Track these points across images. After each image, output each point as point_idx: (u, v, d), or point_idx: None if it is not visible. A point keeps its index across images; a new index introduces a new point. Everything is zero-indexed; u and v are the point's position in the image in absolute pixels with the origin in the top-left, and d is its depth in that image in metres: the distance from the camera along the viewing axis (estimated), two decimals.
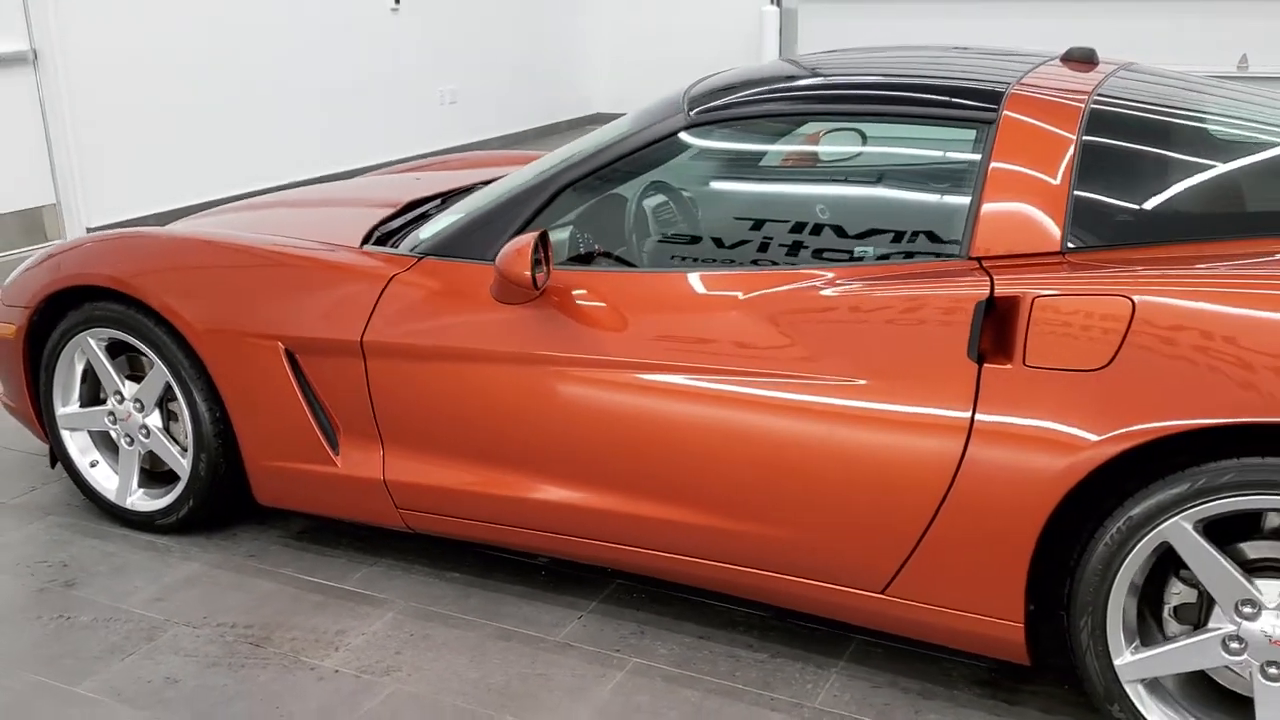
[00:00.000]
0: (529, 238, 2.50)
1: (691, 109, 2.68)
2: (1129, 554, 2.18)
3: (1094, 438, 2.13)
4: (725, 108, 2.66)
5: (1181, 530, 2.13)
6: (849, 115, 2.58)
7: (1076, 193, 2.32)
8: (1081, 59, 2.83)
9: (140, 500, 3.35)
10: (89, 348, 3.26)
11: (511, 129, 10.49)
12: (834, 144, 2.70)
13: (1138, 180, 2.37)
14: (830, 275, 2.43)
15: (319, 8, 8.36)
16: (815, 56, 2.88)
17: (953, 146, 2.52)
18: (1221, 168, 2.44)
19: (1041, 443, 2.18)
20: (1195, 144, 2.51)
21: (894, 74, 2.64)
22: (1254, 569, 2.16)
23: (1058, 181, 2.33)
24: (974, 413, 2.24)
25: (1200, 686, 2.28)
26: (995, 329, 2.24)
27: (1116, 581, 2.20)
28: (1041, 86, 2.51)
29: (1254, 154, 2.50)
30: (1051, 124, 2.40)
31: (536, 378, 2.64)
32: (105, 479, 3.40)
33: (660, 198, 2.84)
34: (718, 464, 2.49)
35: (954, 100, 2.49)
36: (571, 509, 2.70)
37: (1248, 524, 2.19)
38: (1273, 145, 2.53)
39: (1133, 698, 2.24)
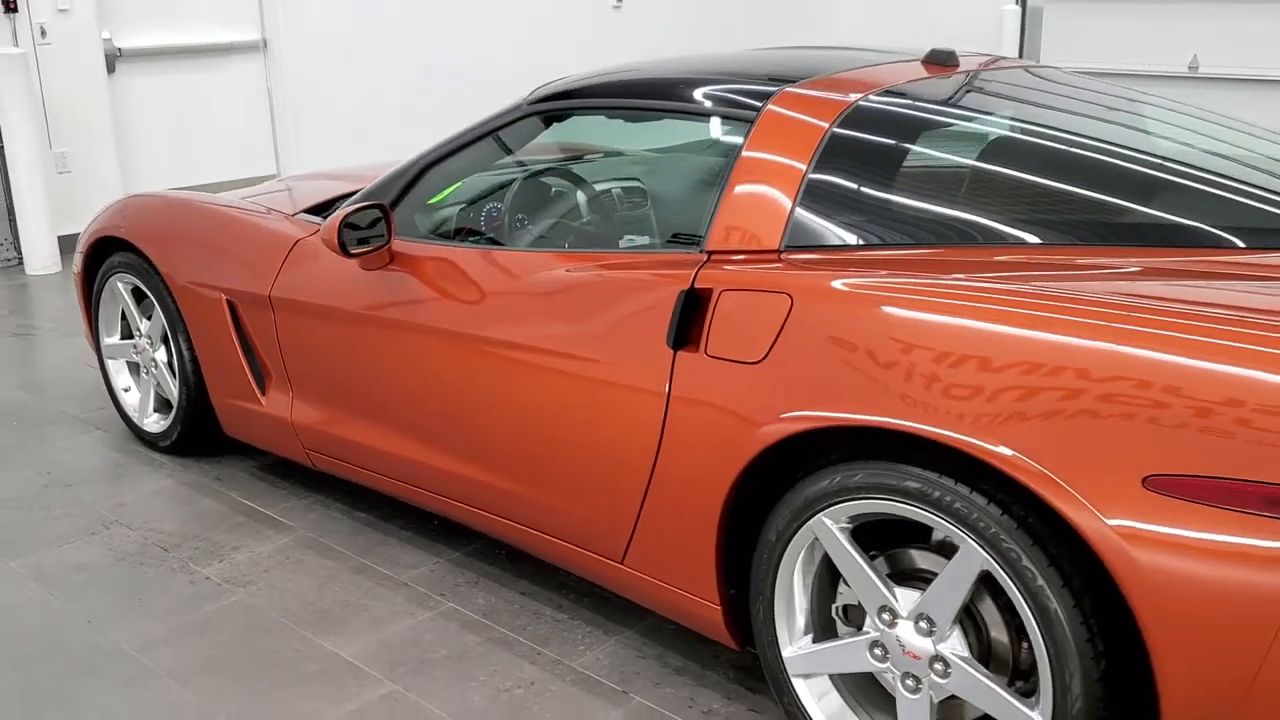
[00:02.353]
0: (343, 211, 2.80)
1: (529, 103, 2.88)
2: (787, 546, 2.21)
3: (752, 428, 2.17)
4: (550, 100, 2.83)
5: (825, 527, 2.14)
6: (642, 110, 2.69)
7: (805, 194, 2.33)
8: (939, 61, 2.78)
9: (152, 423, 3.92)
10: (117, 289, 3.86)
11: None
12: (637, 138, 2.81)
13: (872, 184, 2.34)
14: (592, 259, 2.57)
15: (539, 4, 8.91)
16: (673, 57, 2.97)
17: (727, 142, 2.58)
18: (977, 177, 2.37)
19: (714, 430, 2.24)
20: (963, 151, 2.44)
21: (699, 72, 2.71)
22: (916, 577, 2.13)
23: (790, 182, 2.35)
24: (669, 397, 2.33)
25: (876, 690, 2.26)
26: (697, 320, 2.32)
27: (780, 572, 2.23)
28: (825, 85, 2.52)
29: (1025, 165, 2.40)
30: (801, 125, 2.42)
31: (373, 337, 2.93)
32: (132, 402, 4.00)
33: (498, 182, 3.04)
34: (495, 426, 2.69)
35: (729, 97, 2.55)
36: (403, 460, 2.97)
37: (922, 532, 2.17)
38: (1064, 158, 2.43)
39: (798, 691, 2.27)
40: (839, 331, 2.07)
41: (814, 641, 2.27)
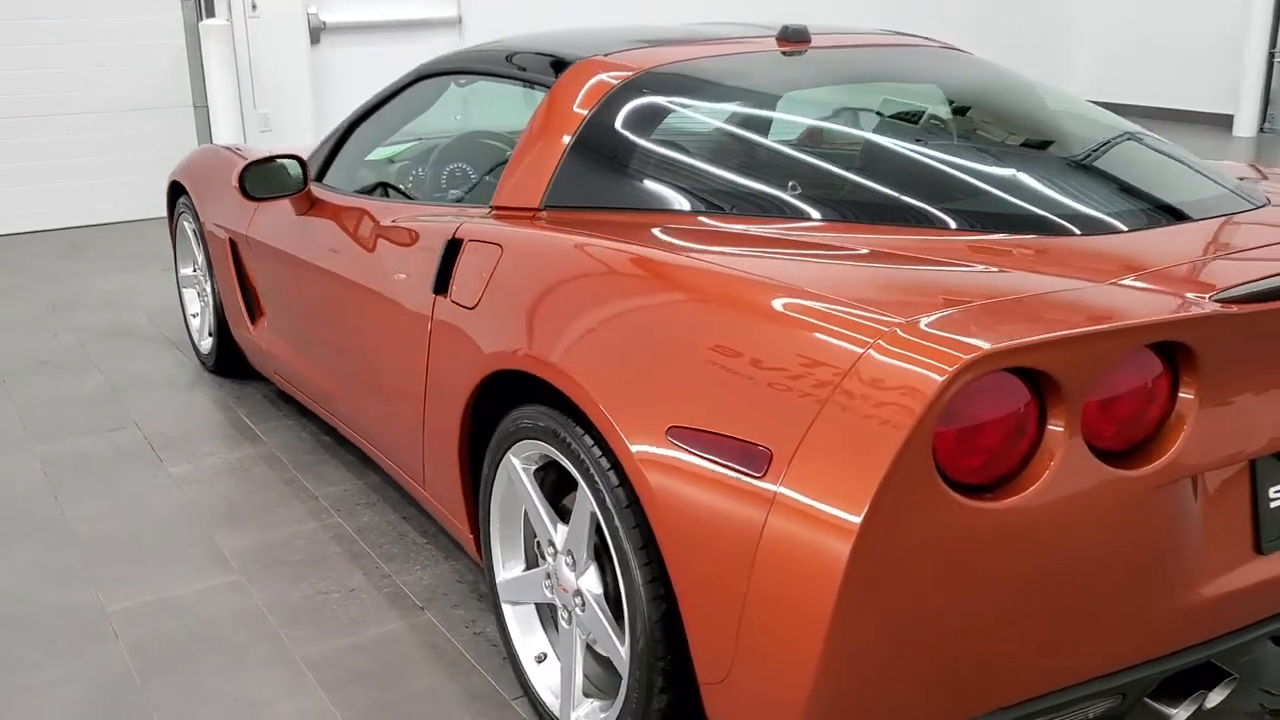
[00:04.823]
0: (254, 158, 3.19)
1: (419, 69, 3.16)
2: (495, 480, 2.40)
3: (466, 370, 2.38)
4: (432, 67, 3.10)
5: (512, 464, 2.31)
6: (483, 75, 2.91)
7: (567, 158, 2.49)
8: (788, 37, 2.82)
9: (205, 346, 4.50)
10: (184, 228, 4.45)
11: None
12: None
13: (629, 153, 2.45)
14: (410, 210, 2.84)
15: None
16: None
17: (532, 109, 2.75)
18: (735, 149, 2.44)
19: (449, 371, 2.46)
20: (737, 124, 2.51)
21: (546, 43, 2.88)
22: None
23: (557, 147, 2.51)
24: (430, 336, 2.56)
25: None
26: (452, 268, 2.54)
27: (493, 503, 2.42)
28: (622, 58, 2.65)
29: (787, 141, 2.45)
30: (580, 93, 2.56)
31: (291, 271, 3.32)
32: (196, 326, 4.60)
33: (426, 146, 3.35)
34: (347, 356, 3.01)
35: (543, 67, 2.72)
36: (311, 383, 3.35)
37: None
38: (826, 137, 2.45)
39: (506, 616, 2.45)
40: (513, 279, 2.25)
41: (523, 572, 2.44)
